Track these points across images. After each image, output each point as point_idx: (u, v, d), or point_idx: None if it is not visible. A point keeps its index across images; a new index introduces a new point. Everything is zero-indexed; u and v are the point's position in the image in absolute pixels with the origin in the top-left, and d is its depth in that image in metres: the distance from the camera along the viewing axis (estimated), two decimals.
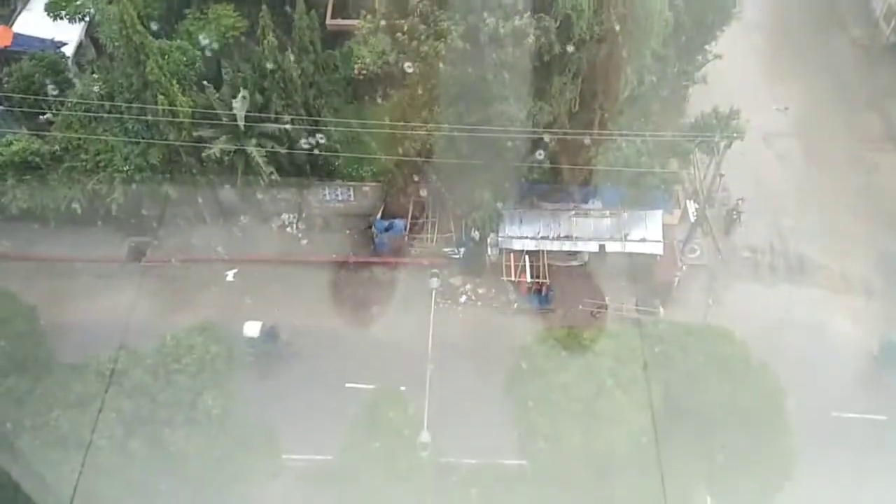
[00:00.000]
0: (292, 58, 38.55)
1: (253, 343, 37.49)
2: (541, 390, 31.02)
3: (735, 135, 37.57)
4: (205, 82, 39.95)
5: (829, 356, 38.51)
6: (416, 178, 42.36)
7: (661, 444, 30.64)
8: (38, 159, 39.88)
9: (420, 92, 39.05)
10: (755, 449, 30.06)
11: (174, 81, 38.28)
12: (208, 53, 41.75)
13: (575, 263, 42.91)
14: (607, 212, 42.09)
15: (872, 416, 37.02)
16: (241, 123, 38.76)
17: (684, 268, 42.48)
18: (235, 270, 42.41)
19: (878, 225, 44.10)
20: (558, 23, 35.64)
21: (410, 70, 38.62)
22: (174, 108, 37.54)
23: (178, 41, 41.84)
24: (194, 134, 38.71)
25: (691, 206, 43.04)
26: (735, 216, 43.43)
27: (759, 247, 43.57)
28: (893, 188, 45.44)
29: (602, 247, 41.64)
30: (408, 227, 43.50)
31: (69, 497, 27.98)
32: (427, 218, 44.12)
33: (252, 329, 37.68)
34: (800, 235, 43.74)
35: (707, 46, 42.48)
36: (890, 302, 41.39)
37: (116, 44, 39.53)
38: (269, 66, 38.31)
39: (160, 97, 37.21)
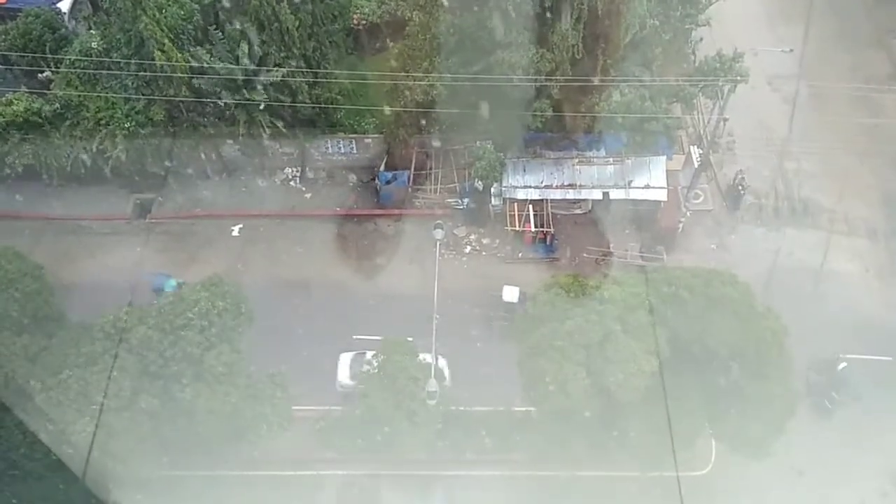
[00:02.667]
0: (289, 9, 38.00)
1: (510, 308, 38.20)
2: (547, 337, 31.24)
3: (739, 78, 37.21)
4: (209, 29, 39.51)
5: (833, 297, 38.68)
6: (418, 130, 42.22)
7: (667, 387, 30.96)
8: (39, 119, 39.72)
9: (420, 41, 38.68)
10: (759, 390, 30.33)
11: (171, 37, 37.87)
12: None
13: (579, 211, 42.93)
14: (611, 159, 41.92)
15: (878, 356, 37.43)
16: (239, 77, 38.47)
17: (688, 213, 42.47)
18: (241, 226, 42.53)
19: (882, 166, 43.99)
20: None
21: (410, 19, 38.26)
22: (172, 63, 37.21)
23: None
24: (194, 86, 38.38)
25: (695, 152, 42.81)
26: (740, 189, 42.81)
27: (762, 191, 43.51)
28: None
29: (606, 194, 41.61)
30: (411, 178, 43.42)
31: (86, 452, 28.56)
32: (430, 169, 44.01)
33: (511, 294, 38.41)
34: (804, 178, 43.68)
35: None
36: (893, 242, 41.47)
37: None
38: (266, 16, 37.79)
39: (157, 53, 36.86)
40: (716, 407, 31.61)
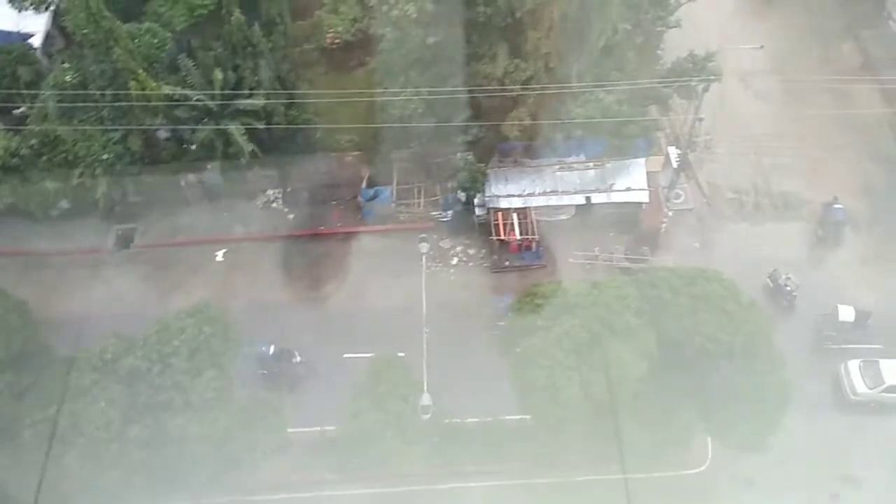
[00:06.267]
0: (261, 32, 38.10)
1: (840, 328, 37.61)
2: (537, 344, 31.28)
3: (712, 77, 37.63)
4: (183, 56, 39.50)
5: (818, 287, 38.96)
6: (398, 145, 42.33)
7: (659, 387, 31.08)
8: (17, 160, 39.49)
9: (395, 57, 38.86)
10: (751, 386, 30.46)
11: (146, 66, 37.89)
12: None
13: (563, 217, 43.06)
14: (591, 164, 42.24)
15: (867, 345, 37.71)
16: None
17: (670, 213, 42.76)
18: (225, 250, 42.39)
19: (859, 156, 44.46)
20: None
21: (384, 35, 38.43)
22: (147, 93, 37.20)
23: (148, 24, 41.30)
24: (170, 114, 38.39)
25: (673, 152, 43.14)
26: (787, 287, 39.26)
27: (742, 187, 43.84)
28: (872, 119, 45.61)
29: (588, 199, 41.89)
30: (394, 193, 43.46)
31: (75, 486, 28.36)
32: (413, 183, 44.03)
33: (847, 313, 37.59)
34: (782, 173, 44.01)
35: None
36: (875, 230, 41.86)
37: (85, 31, 38.99)
38: (239, 41, 37.91)
39: (132, 83, 36.85)
40: (709, 405, 31.64)
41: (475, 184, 41.35)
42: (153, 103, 37.82)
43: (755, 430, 30.40)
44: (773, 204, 43.29)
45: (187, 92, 38.79)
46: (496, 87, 37.55)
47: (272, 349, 36.91)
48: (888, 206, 42.44)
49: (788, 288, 38.67)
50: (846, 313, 37.66)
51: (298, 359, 37.30)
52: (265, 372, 36.59)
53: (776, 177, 43.96)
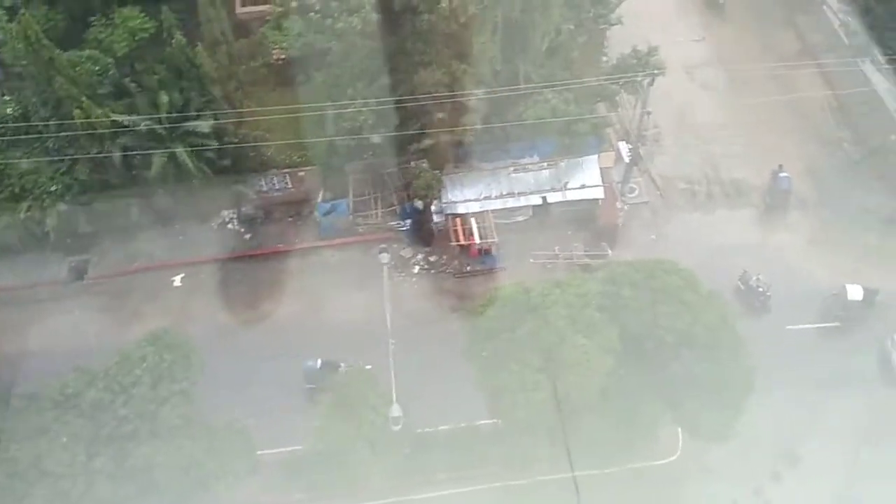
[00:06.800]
0: (205, 53, 37.73)
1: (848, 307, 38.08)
2: (503, 348, 31.38)
3: (656, 71, 38.20)
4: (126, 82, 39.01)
5: (774, 271, 39.71)
6: (351, 157, 42.19)
7: (626, 381, 31.39)
8: None
9: (343, 69, 38.78)
10: (715, 374, 30.88)
11: (89, 94, 37.30)
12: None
13: (520, 219, 43.29)
14: (545, 164, 42.59)
15: (825, 324, 38.54)
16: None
17: (626, 208, 43.26)
18: (182, 275, 41.84)
19: (803, 140, 45.50)
20: None
21: (330, 48, 38.32)
22: (93, 120, 36.61)
23: (88, 51, 40.62)
24: (117, 140, 37.83)
25: (624, 147, 43.65)
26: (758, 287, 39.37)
27: (693, 177, 44.54)
28: (814, 103, 46.73)
29: (544, 199, 42.22)
30: (350, 206, 43.29)
31: None
32: (369, 194, 43.92)
33: (856, 292, 37.99)
34: (731, 160, 44.83)
35: None
36: (824, 211, 42.84)
37: (24, 63, 38.27)
38: (182, 63, 37.50)
39: (77, 111, 36.25)
40: (675, 395, 32.02)
41: (431, 191, 41.36)
42: (99, 131, 37.19)
43: (720, 419, 30.78)
44: (724, 191, 44.07)
45: (134, 117, 38.22)
46: (445, 94, 37.65)
47: (319, 362, 36.56)
48: (834, 186, 43.56)
49: (761, 289, 38.88)
50: (854, 292, 38.28)
51: (343, 368, 36.89)
52: (312, 386, 36.03)
53: (725, 165, 44.76)
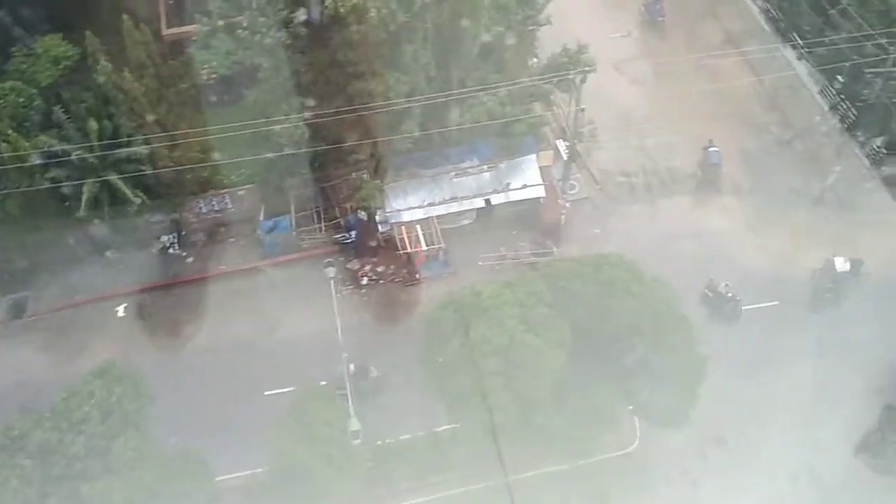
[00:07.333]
0: (132, 77, 36.99)
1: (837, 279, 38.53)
2: (457, 353, 31.51)
3: (587, 68, 38.78)
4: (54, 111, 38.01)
5: (714, 256, 40.68)
6: (290, 172, 41.81)
7: (581, 375, 31.80)
8: None
9: (274, 85, 38.45)
10: (667, 360, 31.55)
11: (14, 126, 36.26)
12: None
13: (465, 223, 43.46)
14: (485, 166, 42.84)
15: (767, 303, 39.47)
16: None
17: (568, 204, 43.78)
18: (125, 304, 40.86)
19: (733, 126, 46.69)
20: None
21: (260, 65, 37.97)
22: (21, 153, 35.59)
23: (10, 83, 39.46)
24: (47, 172, 36.85)
25: (561, 145, 44.23)
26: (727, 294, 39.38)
27: (631, 170, 45.36)
28: (740, 90, 48.03)
29: (487, 201, 42.48)
30: (293, 222, 42.88)
31: None
32: (311, 209, 43.57)
33: (842, 264, 38.58)
34: (665, 151, 45.78)
35: None
36: (757, 193, 44.07)
37: None
38: (109, 89, 36.72)
39: (3, 145, 35.22)
40: (630, 385, 32.60)
41: (374, 201, 41.18)
42: (29, 163, 36.18)
43: (676, 404, 31.43)
44: (661, 181, 44.97)
45: (65, 147, 37.28)
46: (381, 103, 37.63)
47: (352, 367, 36.16)
48: (766, 170, 44.86)
49: (730, 295, 39.02)
50: (842, 264, 39.12)
51: (375, 373, 36.74)
52: (343, 392, 35.20)
53: (660, 155, 45.67)
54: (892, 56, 39.39)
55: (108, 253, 42.17)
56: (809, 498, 34.47)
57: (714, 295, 39.41)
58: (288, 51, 36.47)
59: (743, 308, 38.94)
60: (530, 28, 42.77)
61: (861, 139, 44.73)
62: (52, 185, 37.33)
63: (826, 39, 44.61)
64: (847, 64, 42.92)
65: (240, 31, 37.74)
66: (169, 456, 30.60)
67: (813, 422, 34.90)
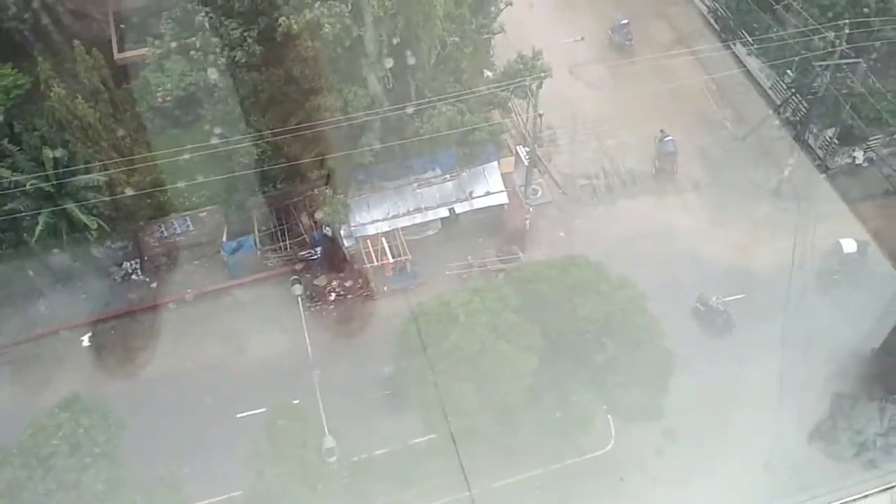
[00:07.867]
0: (85, 104, 36.47)
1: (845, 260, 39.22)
2: (428, 363, 31.42)
3: (543, 74, 39.11)
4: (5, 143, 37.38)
5: (678, 253, 41.18)
6: (252, 191, 41.51)
7: (553, 377, 31.91)
8: None
9: (231, 105, 38.21)
10: (636, 357, 31.80)
11: None
12: None
13: (431, 233, 43.51)
14: (447, 176, 42.99)
15: (733, 297, 39.86)
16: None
17: (531, 209, 44.01)
18: (90, 333, 40.15)
19: (688, 124, 47.46)
20: (350, 7, 35.74)
21: (216, 85, 37.71)
22: None
23: None
24: (2, 209, 36.20)
25: (522, 151, 44.50)
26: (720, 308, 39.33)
27: (591, 172, 45.81)
28: (694, 88, 48.84)
29: (451, 210, 42.58)
30: (257, 241, 42.54)
31: None
32: (275, 227, 43.27)
33: (849, 245, 39.27)
34: (624, 152, 46.36)
35: None
36: (716, 189, 44.74)
37: None
38: (63, 116, 36.14)
39: None
40: (602, 385, 32.76)
41: (338, 215, 41.05)
42: None
43: (647, 399, 31.66)
44: (622, 181, 45.50)
45: (19, 177, 36.59)
46: (340, 117, 37.59)
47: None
48: (723, 166, 45.64)
49: (722, 308, 39.02)
50: (849, 245, 39.81)
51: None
52: (389, 392, 35.42)
53: (619, 156, 46.25)
54: (838, 49, 40.31)
55: (69, 282, 41.36)
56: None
57: (705, 308, 39.42)
58: (243, 69, 36.29)
59: (709, 303, 39.33)
60: (485, 36, 43.14)
61: (813, 131, 45.67)
62: (7, 217, 36.60)
63: (774, 35, 45.54)
64: (796, 58, 43.85)
65: (193, 52, 37.48)
66: (143, 485, 30.04)
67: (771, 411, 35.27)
